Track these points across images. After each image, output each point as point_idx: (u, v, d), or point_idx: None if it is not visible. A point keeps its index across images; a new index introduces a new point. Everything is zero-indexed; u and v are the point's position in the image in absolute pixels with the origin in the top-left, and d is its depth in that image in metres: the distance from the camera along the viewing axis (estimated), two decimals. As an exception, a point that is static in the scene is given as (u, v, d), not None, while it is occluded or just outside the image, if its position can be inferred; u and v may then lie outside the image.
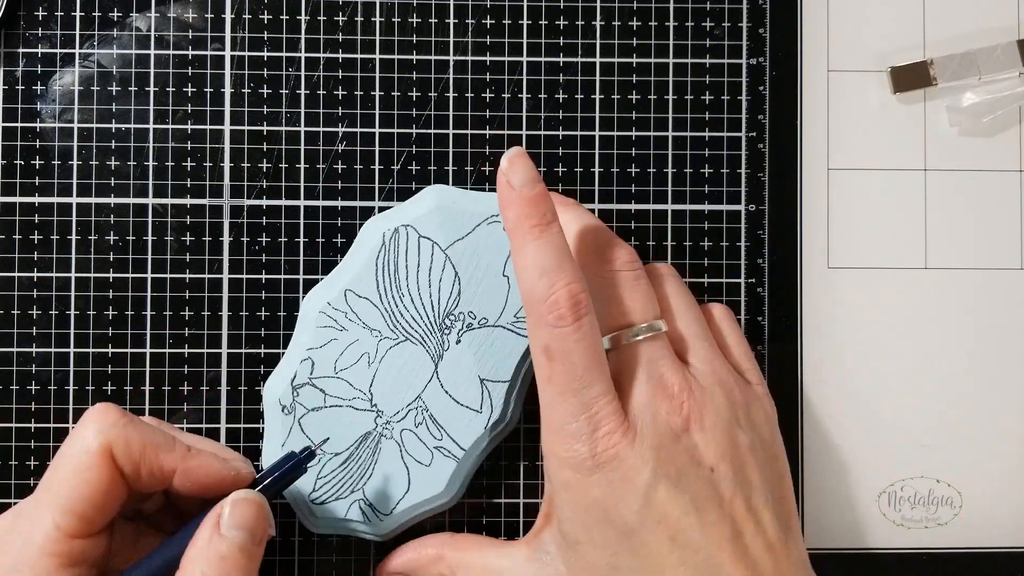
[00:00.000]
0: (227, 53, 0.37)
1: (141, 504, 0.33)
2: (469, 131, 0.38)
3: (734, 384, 0.32)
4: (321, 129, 0.37)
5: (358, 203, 0.37)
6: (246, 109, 0.37)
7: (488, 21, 0.38)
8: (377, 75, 0.37)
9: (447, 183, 0.38)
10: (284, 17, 0.37)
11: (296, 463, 0.32)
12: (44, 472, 0.30)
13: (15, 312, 0.37)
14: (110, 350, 0.37)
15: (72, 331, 0.37)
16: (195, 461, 0.30)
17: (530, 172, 0.30)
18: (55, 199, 0.37)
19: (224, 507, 0.29)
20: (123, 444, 0.29)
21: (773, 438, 0.33)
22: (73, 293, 0.37)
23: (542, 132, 0.38)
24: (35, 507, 0.28)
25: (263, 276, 0.37)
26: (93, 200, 0.37)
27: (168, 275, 0.37)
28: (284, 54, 0.37)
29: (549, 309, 0.29)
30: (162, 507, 0.33)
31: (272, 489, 0.31)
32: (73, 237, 0.37)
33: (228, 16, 0.37)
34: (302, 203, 0.37)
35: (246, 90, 0.37)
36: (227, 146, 0.37)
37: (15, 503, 0.36)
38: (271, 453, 0.35)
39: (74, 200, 0.37)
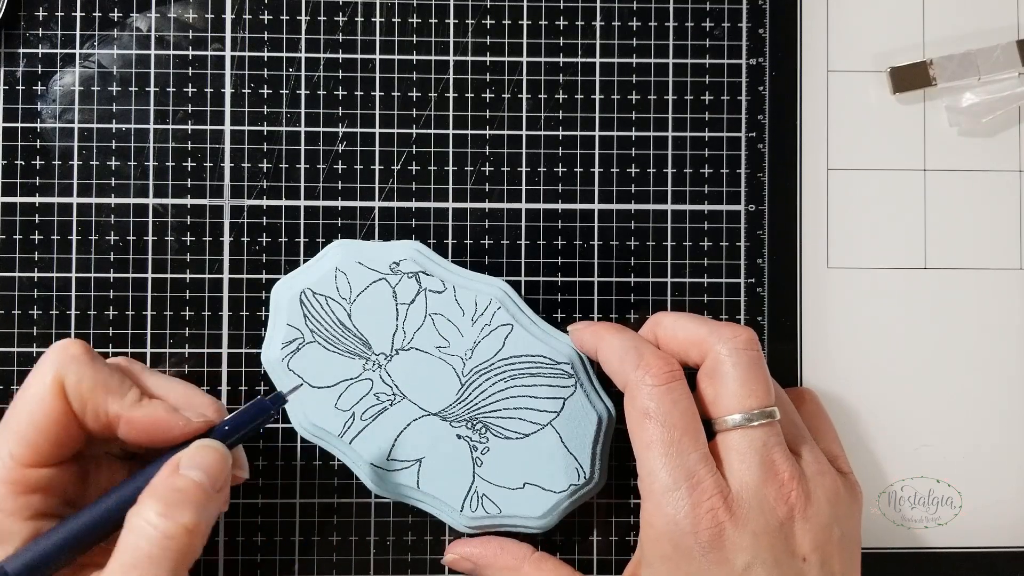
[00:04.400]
0: (227, 53, 0.37)
1: (123, 444, 0.32)
2: (469, 131, 0.38)
3: (836, 477, 0.32)
4: (321, 129, 0.37)
5: (358, 203, 0.37)
6: (246, 109, 0.37)
7: (488, 21, 0.38)
8: (377, 75, 0.37)
9: (447, 183, 0.38)
10: (284, 17, 0.37)
11: (260, 411, 0.31)
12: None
13: (15, 312, 0.37)
14: (110, 350, 0.37)
15: (72, 331, 0.37)
16: (141, 411, 0.30)
17: None
18: (55, 199, 0.37)
19: (183, 452, 0.29)
20: (74, 380, 0.29)
21: (857, 528, 0.33)
22: (73, 293, 0.37)
23: (542, 132, 0.38)
24: None
25: (263, 276, 0.37)
26: (93, 200, 0.37)
27: (168, 275, 0.37)
28: (284, 54, 0.37)
29: (644, 371, 0.31)
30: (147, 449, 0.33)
31: (235, 437, 0.31)
32: (73, 237, 0.37)
33: (228, 16, 0.37)
34: (302, 203, 0.37)
35: (246, 90, 0.37)
36: (227, 146, 0.37)
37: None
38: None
39: (74, 200, 0.37)
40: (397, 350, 0.35)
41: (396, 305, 0.35)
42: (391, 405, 0.35)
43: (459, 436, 0.35)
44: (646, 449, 0.31)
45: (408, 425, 0.35)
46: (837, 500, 0.32)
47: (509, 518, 0.35)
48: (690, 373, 0.33)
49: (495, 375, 0.35)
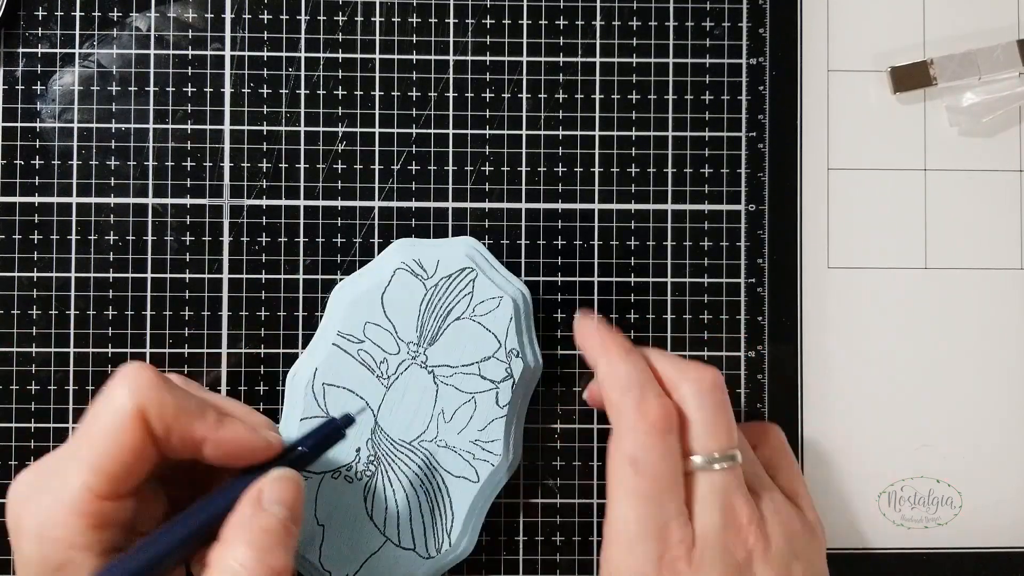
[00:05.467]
0: (227, 53, 0.37)
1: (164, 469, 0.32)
2: (469, 131, 0.38)
3: (794, 515, 0.32)
4: (321, 129, 0.37)
5: (358, 203, 0.37)
6: (246, 109, 0.37)
7: (488, 21, 0.38)
8: (377, 75, 0.37)
9: (447, 183, 0.38)
10: (284, 17, 0.37)
11: (334, 429, 0.31)
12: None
13: (15, 312, 0.37)
14: (110, 350, 0.37)
15: (72, 331, 0.37)
16: (225, 431, 0.29)
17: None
18: (55, 199, 0.37)
19: (264, 484, 0.29)
20: (157, 408, 0.28)
21: (821, 561, 0.33)
22: (73, 293, 0.37)
23: (542, 132, 0.38)
24: (65, 466, 0.28)
25: (263, 276, 0.37)
26: (93, 200, 0.37)
27: (168, 275, 0.37)
28: (284, 54, 0.37)
29: (642, 416, 0.31)
30: (181, 472, 0.32)
31: (309, 458, 0.31)
32: (73, 237, 0.37)
33: (228, 16, 0.37)
34: (302, 203, 0.37)
35: (246, 90, 0.37)
36: (227, 146, 0.37)
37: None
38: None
39: (74, 200, 0.37)
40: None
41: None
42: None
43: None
44: (624, 496, 0.30)
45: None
46: (794, 537, 0.32)
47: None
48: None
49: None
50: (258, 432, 0.30)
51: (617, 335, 0.33)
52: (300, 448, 0.31)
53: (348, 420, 0.32)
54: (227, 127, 0.37)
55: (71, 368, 0.37)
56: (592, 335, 0.34)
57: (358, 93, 0.37)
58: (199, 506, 0.29)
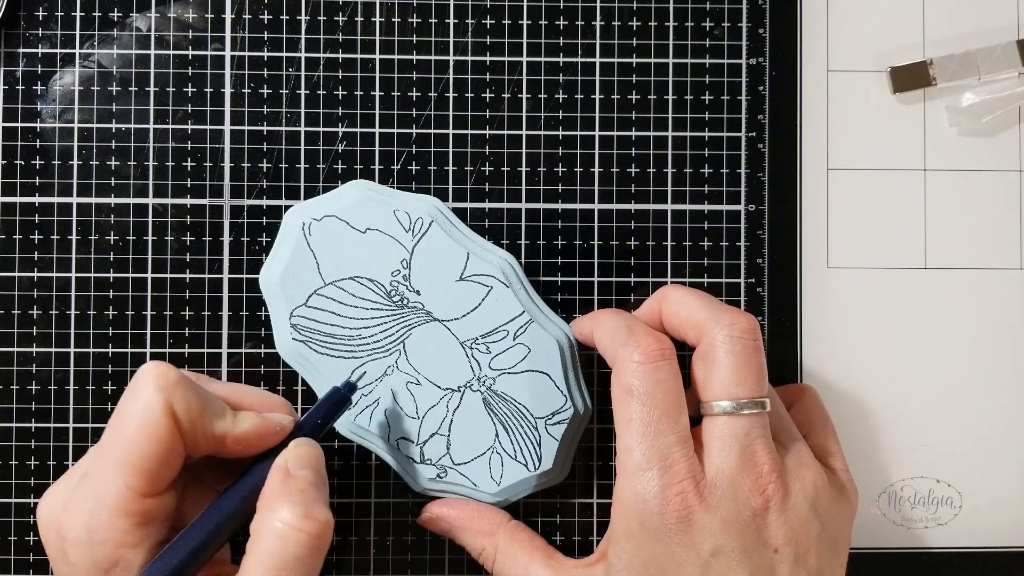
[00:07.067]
0: (227, 53, 0.37)
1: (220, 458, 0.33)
2: (469, 131, 0.38)
3: (820, 472, 0.32)
4: (321, 129, 0.37)
5: (358, 203, 0.37)
6: (246, 109, 0.37)
7: (488, 21, 0.38)
8: (377, 75, 0.37)
9: (447, 183, 0.38)
10: (284, 17, 0.37)
11: (339, 400, 0.33)
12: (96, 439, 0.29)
13: (15, 312, 0.37)
14: (110, 350, 0.37)
15: (72, 331, 0.37)
16: (244, 427, 0.30)
17: None
18: (55, 199, 0.37)
19: (287, 455, 0.30)
20: (184, 405, 0.29)
21: (844, 526, 0.33)
22: (73, 293, 0.37)
23: (542, 132, 0.38)
24: (101, 467, 0.28)
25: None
26: (93, 200, 0.37)
27: (168, 275, 0.37)
28: (284, 54, 0.37)
29: (633, 347, 0.31)
30: (203, 461, 0.33)
31: (320, 428, 0.32)
32: (73, 237, 0.37)
33: (228, 16, 0.37)
34: (302, 203, 0.37)
35: (246, 90, 0.37)
36: (227, 146, 0.37)
37: (16, 503, 0.36)
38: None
39: (74, 200, 0.37)
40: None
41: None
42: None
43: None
44: (625, 426, 0.31)
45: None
46: (818, 496, 0.31)
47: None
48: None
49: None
50: (271, 419, 0.31)
51: (606, 308, 0.35)
52: (318, 420, 0.32)
53: (350, 387, 0.33)
54: (227, 127, 0.37)
55: (71, 368, 0.37)
56: (581, 319, 0.35)
57: (358, 93, 0.37)
58: (228, 493, 0.30)
